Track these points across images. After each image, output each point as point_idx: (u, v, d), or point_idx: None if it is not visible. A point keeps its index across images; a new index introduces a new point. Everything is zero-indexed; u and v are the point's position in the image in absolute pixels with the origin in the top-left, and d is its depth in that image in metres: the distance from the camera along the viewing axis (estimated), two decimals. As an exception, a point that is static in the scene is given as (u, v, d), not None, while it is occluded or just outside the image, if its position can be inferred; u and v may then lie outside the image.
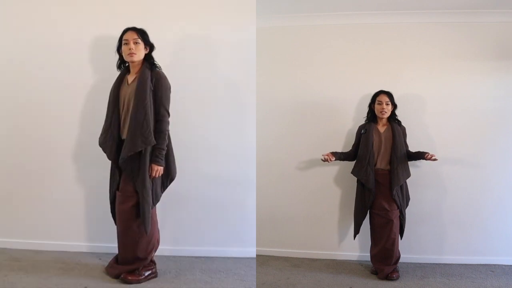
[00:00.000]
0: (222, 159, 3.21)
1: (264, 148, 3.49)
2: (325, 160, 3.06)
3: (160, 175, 2.67)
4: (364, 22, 3.43)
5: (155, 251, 2.78)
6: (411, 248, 3.30)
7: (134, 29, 2.66)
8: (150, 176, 2.62)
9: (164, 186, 2.76)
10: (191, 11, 3.14)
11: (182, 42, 3.16)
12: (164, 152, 2.63)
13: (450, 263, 3.29)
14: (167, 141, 2.65)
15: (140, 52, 2.65)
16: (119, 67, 2.78)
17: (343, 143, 3.44)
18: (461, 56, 3.34)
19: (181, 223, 3.23)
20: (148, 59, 2.70)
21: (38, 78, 3.14)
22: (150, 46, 2.71)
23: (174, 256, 3.17)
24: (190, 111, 3.17)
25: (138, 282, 2.67)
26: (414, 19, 3.37)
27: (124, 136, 2.64)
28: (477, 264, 3.26)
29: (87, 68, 3.12)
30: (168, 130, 2.66)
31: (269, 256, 3.49)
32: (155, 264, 2.82)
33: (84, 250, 3.17)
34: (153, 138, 2.57)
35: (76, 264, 2.94)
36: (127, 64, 2.75)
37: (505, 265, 3.24)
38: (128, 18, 3.01)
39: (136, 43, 2.63)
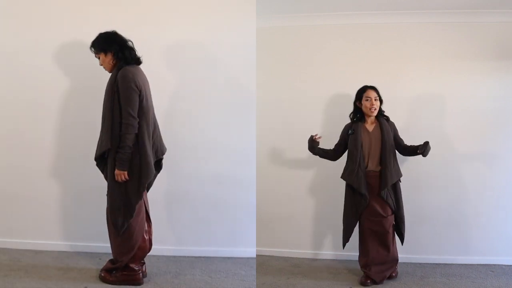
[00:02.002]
0: (222, 159, 3.21)
1: (264, 148, 3.49)
2: (315, 136, 3.00)
3: (125, 179, 2.46)
4: (364, 22, 3.42)
5: (136, 258, 2.60)
6: (411, 248, 3.30)
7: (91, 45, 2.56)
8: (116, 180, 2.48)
9: (137, 192, 2.50)
10: (191, 11, 3.14)
11: (182, 42, 3.15)
12: (123, 156, 2.41)
13: (450, 263, 3.28)
14: (127, 144, 2.41)
15: (104, 63, 2.55)
16: None
17: (343, 143, 3.43)
18: (461, 56, 3.34)
19: (181, 223, 3.23)
20: (120, 59, 2.51)
21: (32, 78, 3.14)
22: (110, 50, 2.50)
23: (174, 256, 3.17)
24: (190, 111, 3.18)
25: (109, 282, 2.60)
26: (414, 19, 3.37)
27: None
28: (477, 264, 3.25)
29: (81, 70, 3.09)
30: (131, 133, 2.42)
31: (269, 256, 3.49)
32: (138, 272, 2.62)
33: (84, 250, 3.17)
34: (109, 142, 2.43)
35: (76, 264, 2.94)
36: None
37: (505, 265, 3.24)
38: (128, 18, 3.03)
39: (98, 58, 2.57)
